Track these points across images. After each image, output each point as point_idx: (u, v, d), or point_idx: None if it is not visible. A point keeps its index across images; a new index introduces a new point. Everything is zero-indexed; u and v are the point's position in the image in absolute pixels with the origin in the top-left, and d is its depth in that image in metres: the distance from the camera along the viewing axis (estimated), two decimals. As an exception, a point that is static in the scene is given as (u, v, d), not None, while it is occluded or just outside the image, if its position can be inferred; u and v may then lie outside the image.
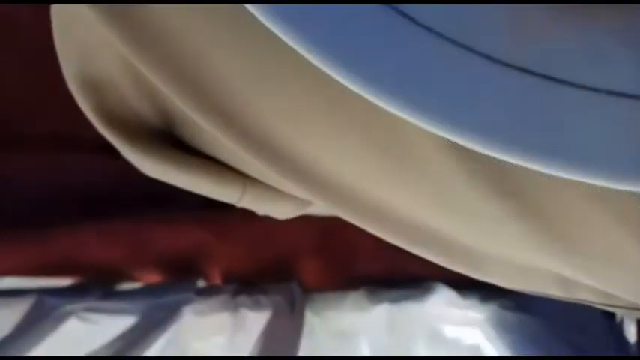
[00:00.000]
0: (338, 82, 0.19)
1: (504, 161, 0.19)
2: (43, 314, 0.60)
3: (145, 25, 0.25)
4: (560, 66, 0.20)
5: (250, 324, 0.65)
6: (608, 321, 0.66)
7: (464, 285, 0.70)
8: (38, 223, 0.62)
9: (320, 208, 0.46)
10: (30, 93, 0.64)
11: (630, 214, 0.25)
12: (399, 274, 0.71)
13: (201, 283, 0.66)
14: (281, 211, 0.36)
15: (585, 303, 0.34)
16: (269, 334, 0.66)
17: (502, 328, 0.66)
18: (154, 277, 0.65)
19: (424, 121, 0.18)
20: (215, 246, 0.68)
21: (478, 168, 0.23)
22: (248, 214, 0.68)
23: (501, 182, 0.26)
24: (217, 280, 0.68)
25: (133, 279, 0.65)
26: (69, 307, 0.61)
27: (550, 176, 0.19)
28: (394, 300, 0.70)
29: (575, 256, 0.27)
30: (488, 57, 0.19)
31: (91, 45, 0.28)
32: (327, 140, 0.26)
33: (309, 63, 0.18)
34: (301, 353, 0.64)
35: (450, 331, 0.67)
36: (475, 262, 0.32)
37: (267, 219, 0.64)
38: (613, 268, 0.28)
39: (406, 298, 0.69)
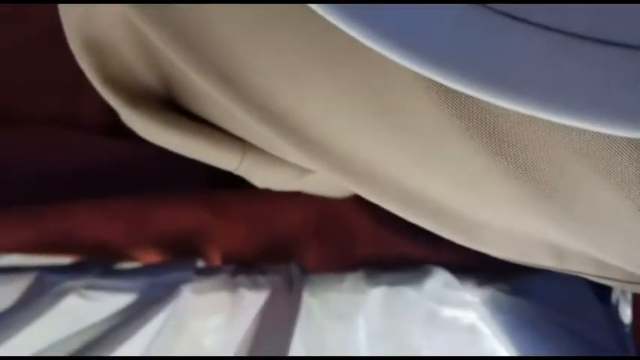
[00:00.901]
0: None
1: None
2: (42, 290, 0.60)
3: None
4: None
5: (248, 303, 0.65)
6: (604, 304, 0.66)
7: (461, 269, 0.70)
8: (38, 201, 0.62)
9: (315, 186, 0.46)
10: (30, 73, 0.64)
11: (619, 174, 0.25)
12: (397, 257, 0.72)
13: (200, 263, 0.67)
14: (279, 180, 0.37)
15: (581, 275, 0.34)
16: (267, 313, 0.67)
17: (498, 311, 0.66)
18: (153, 257, 0.66)
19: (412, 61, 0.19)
20: (215, 226, 0.68)
21: (471, 126, 0.23)
22: (248, 195, 0.69)
23: (494, 142, 0.26)
24: (217, 260, 0.68)
25: (132, 258, 0.65)
26: (69, 283, 0.61)
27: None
28: (392, 283, 0.70)
29: (566, 217, 0.28)
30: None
31: (93, 6, 0.28)
32: (325, 100, 0.26)
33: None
34: (298, 334, 0.65)
35: (447, 312, 0.68)
36: (466, 228, 0.32)
37: (266, 200, 0.64)
38: (604, 229, 0.28)
39: (404, 281, 0.70)
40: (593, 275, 0.33)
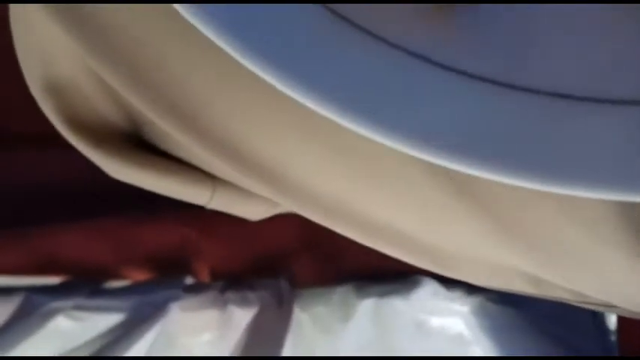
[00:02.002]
0: None
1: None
2: (30, 312, 0.60)
3: (100, 28, 0.25)
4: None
5: (238, 320, 0.65)
6: (590, 312, 0.67)
7: (450, 279, 0.70)
8: (23, 222, 0.62)
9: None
10: (14, 91, 0.64)
11: (585, 215, 0.25)
12: (386, 269, 0.72)
13: (189, 280, 0.67)
14: (253, 212, 0.37)
15: (562, 301, 0.34)
16: (256, 329, 0.67)
17: (486, 319, 0.66)
18: (141, 275, 0.66)
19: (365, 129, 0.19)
20: (202, 243, 0.68)
21: (438, 166, 0.24)
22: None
23: (461, 182, 0.26)
24: (205, 277, 0.68)
25: (120, 277, 0.65)
26: (57, 304, 0.61)
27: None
28: (381, 294, 0.70)
29: (536, 255, 0.28)
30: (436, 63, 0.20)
31: (52, 48, 0.28)
32: (287, 141, 0.27)
33: None
34: (288, 348, 0.65)
35: (435, 322, 0.68)
36: (441, 260, 0.32)
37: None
38: (576, 267, 0.28)
39: (393, 292, 0.70)
40: (574, 301, 0.33)
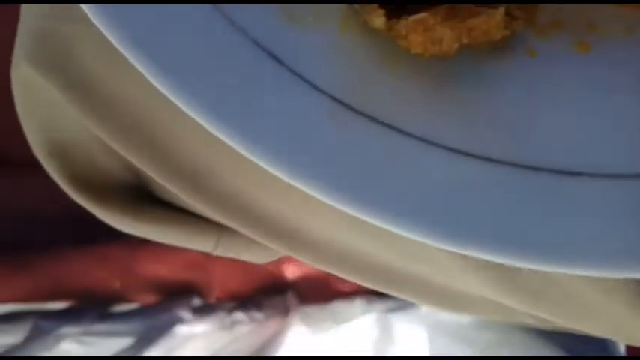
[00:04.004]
0: None
1: None
2: (39, 337, 0.61)
3: (103, 95, 0.25)
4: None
5: (246, 340, 0.66)
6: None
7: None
8: (29, 249, 0.62)
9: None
10: (15, 118, 0.64)
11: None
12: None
13: (196, 302, 0.67)
14: (258, 256, 0.37)
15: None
16: (263, 349, 0.67)
17: (488, 337, 0.66)
18: (149, 297, 0.66)
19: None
20: (209, 264, 0.68)
21: None
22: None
23: None
24: (212, 296, 0.68)
25: (128, 300, 0.65)
26: (64, 329, 0.61)
27: None
28: (386, 309, 0.70)
29: (542, 304, 0.28)
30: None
31: (53, 112, 0.28)
32: (294, 198, 0.26)
33: None
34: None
35: (440, 340, 0.68)
36: (450, 300, 0.33)
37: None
38: (580, 314, 0.28)
39: (399, 307, 0.70)
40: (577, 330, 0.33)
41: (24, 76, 0.26)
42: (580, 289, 0.26)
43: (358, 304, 0.71)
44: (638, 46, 0.22)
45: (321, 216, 0.27)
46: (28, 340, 0.61)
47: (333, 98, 0.19)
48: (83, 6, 0.18)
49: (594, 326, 0.29)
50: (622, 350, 0.62)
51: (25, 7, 0.26)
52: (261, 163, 0.18)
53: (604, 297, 0.26)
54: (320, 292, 0.71)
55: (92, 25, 0.19)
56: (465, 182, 0.19)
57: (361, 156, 0.19)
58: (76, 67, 0.25)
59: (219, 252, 0.34)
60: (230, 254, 0.35)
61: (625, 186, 0.20)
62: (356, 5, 0.19)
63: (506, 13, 0.19)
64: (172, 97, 0.18)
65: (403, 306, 0.70)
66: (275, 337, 0.68)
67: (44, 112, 0.29)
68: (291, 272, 0.71)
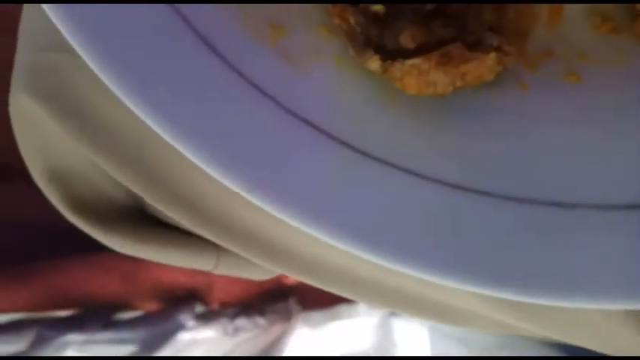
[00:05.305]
0: None
1: None
2: (42, 346, 0.61)
3: (98, 124, 0.25)
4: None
5: (248, 346, 0.66)
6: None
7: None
8: (32, 258, 0.63)
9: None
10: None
11: None
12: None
13: (199, 309, 0.67)
14: (259, 274, 0.37)
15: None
16: (266, 353, 0.67)
17: (488, 339, 0.66)
18: (152, 305, 0.66)
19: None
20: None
21: None
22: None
23: None
24: (215, 303, 0.68)
25: (131, 308, 0.65)
26: (68, 338, 0.62)
27: None
28: (391, 314, 0.70)
29: (544, 323, 0.28)
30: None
31: (51, 139, 0.28)
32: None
33: None
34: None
35: (441, 342, 0.68)
36: (449, 315, 0.33)
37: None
38: (582, 334, 0.28)
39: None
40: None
41: (21, 104, 0.26)
42: (580, 310, 0.27)
43: (360, 307, 0.71)
44: (629, 74, 0.22)
45: (321, 240, 0.28)
46: (32, 348, 0.62)
47: (329, 135, 0.19)
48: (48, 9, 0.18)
49: (594, 342, 0.29)
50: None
51: (21, 39, 0.26)
52: (263, 207, 0.19)
53: (604, 317, 0.26)
54: (322, 297, 0.71)
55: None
56: (458, 215, 0.20)
57: (353, 190, 0.19)
58: (71, 97, 0.25)
59: (219, 271, 0.34)
60: (231, 273, 0.35)
61: (619, 216, 0.20)
62: (351, 50, 0.20)
63: (498, 49, 0.19)
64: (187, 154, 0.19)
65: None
66: (278, 342, 0.68)
67: (42, 140, 0.29)
68: (293, 278, 0.71)
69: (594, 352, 0.63)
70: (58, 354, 0.62)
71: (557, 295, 0.19)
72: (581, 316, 0.27)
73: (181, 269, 0.68)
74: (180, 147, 0.18)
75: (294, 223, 0.19)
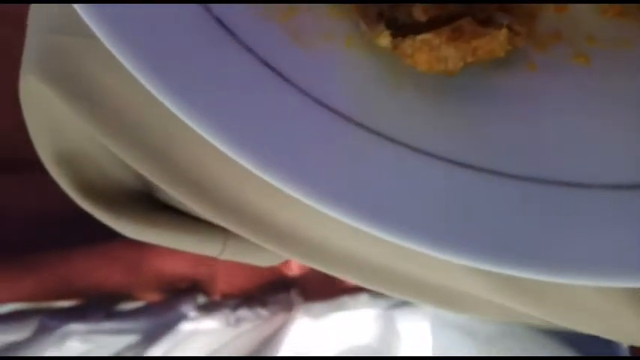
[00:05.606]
0: None
1: None
2: (45, 335, 0.61)
3: (109, 106, 0.25)
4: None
5: (251, 337, 0.66)
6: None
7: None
8: (35, 248, 0.63)
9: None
10: (22, 118, 0.64)
11: None
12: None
13: (201, 299, 0.67)
14: (264, 260, 0.37)
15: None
16: (268, 343, 0.67)
17: (491, 329, 0.66)
18: (154, 295, 0.66)
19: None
20: (213, 260, 0.68)
21: None
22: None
23: None
24: (217, 294, 0.68)
25: (133, 298, 0.65)
26: (71, 327, 0.62)
27: None
28: (391, 305, 0.71)
29: (548, 310, 0.28)
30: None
31: (61, 122, 0.28)
32: (301, 207, 0.27)
33: None
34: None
35: (443, 332, 0.68)
36: (450, 300, 0.33)
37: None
38: (585, 319, 0.29)
39: (403, 303, 0.70)
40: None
41: (31, 87, 0.26)
42: (581, 290, 0.27)
43: (362, 299, 0.71)
44: (636, 57, 0.22)
45: (328, 224, 0.28)
46: (34, 337, 0.62)
47: (338, 113, 0.20)
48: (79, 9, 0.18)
49: (595, 326, 0.29)
50: (625, 349, 0.62)
51: (31, 21, 0.26)
52: (273, 182, 0.19)
53: (605, 299, 0.27)
54: (324, 288, 0.71)
55: (97, 37, 0.19)
56: (469, 194, 0.20)
57: (368, 170, 0.20)
58: (82, 79, 0.25)
59: (225, 256, 0.34)
60: (236, 258, 0.35)
61: (625, 196, 0.20)
62: (362, 26, 0.20)
63: (508, 28, 0.19)
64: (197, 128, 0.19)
65: (407, 302, 0.70)
66: (279, 332, 0.68)
67: (51, 123, 0.29)
68: (295, 269, 0.71)
69: (595, 350, 0.63)
70: (60, 343, 0.62)
71: (562, 272, 0.19)
72: (580, 300, 0.28)
73: (184, 260, 0.68)
74: (209, 137, 0.19)
75: (309, 202, 0.19)
